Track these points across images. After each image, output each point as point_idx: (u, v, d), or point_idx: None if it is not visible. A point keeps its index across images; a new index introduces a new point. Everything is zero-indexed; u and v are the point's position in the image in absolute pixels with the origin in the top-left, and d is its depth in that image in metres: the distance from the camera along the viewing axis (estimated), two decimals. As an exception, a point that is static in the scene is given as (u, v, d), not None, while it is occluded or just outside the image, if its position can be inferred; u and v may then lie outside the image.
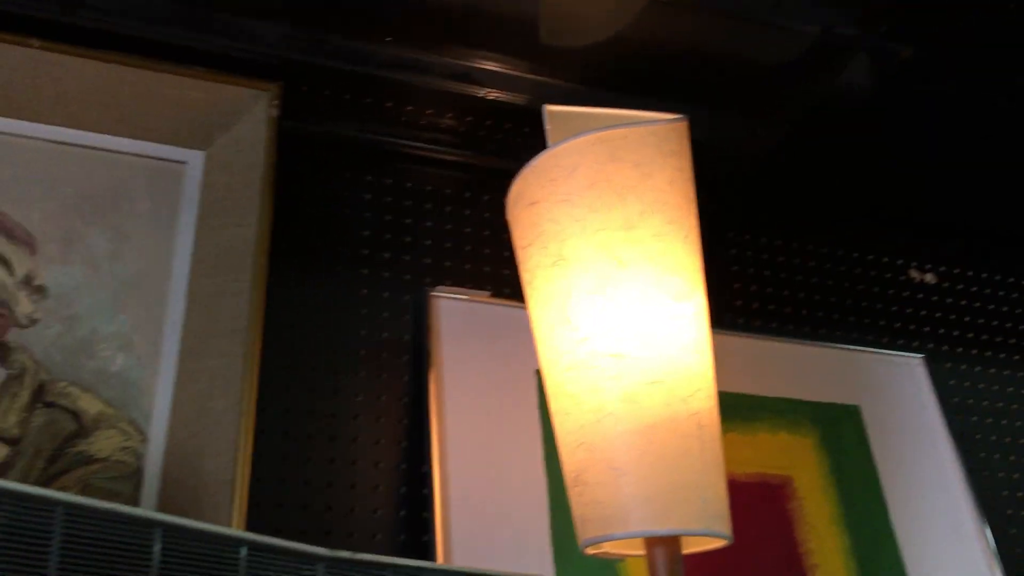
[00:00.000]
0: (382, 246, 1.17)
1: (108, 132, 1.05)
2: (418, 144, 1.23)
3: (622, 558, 0.97)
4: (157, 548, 0.58)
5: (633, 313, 0.85)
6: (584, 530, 0.83)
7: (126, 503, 0.90)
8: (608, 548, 0.88)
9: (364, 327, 1.12)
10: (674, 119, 0.91)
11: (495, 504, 1.04)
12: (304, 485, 1.02)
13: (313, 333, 1.09)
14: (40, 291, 0.97)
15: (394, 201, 1.21)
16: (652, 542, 0.83)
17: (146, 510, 0.59)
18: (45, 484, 0.89)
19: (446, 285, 1.16)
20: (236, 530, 0.62)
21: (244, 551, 0.63)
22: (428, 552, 1.00)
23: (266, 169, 1.06)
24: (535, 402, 1.12)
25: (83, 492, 0.90)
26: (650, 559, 0.82)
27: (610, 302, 0.85)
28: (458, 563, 0.97)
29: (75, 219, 1.01)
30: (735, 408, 1.18)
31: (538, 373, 1.13)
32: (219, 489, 0.91)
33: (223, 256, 1.02)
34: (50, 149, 1.03)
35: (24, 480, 0.88)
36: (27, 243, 0.98)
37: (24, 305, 0.95)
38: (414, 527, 1.04)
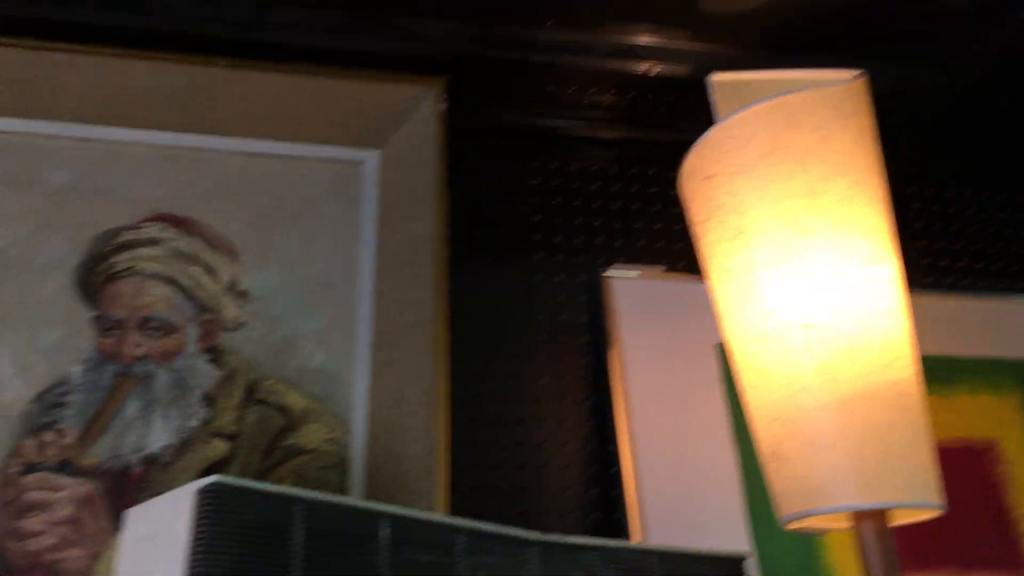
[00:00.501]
0: (553, 230, 1.19)
1: (291, 139, 1.11)
2: (582, 125, 1.24)
3: (824, 532, 0.95)
4: (385, 534, 0.62)
5: (822, 281, 0.83)
6: (784, 505, 0.82)
7: (335, 491, 0.95)
8: (810, 523, 0.86)
9: (542, 311, 1.14)
10: (852, 77, 0.88)
11: (685, 480, 1.04)
12: (496, 468, 1.05)
13: (494, 320, 1.12)
14: (243, 296, 1.03)
15: (562, 184, 1.21)
16: (859, 516, 0.81)
17: (373, 502, 0.62)
18: (262, 476, 0.95)
19: (619, 264, 1.17)
20: (455, 518, 0.65)
21: (462, 538, 0.65)
22: (621, 529, 1.02)
23: (438, 163, 1.09)
24: (717, 376, 1.11)
25: (297, 482, 0.96)
26: (858, 533, 0.81)
27: (797, 272, 0.83)
28: (651, 540, 0.97)
29: (269, 225, 1.07)
30: (931, 372, 1.12)
31: (719, 347, 1.12)
32: (421, 475, 0.95)
33: (405, 252, 1.06)
34: (241, 161, 1.09)
35: (244, 473, 0.95)
36: (229, 251, 1.05)
37: (230, 310, 1.02)
38: (605, 505, 1.05)
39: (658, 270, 1.17)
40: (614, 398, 1.07)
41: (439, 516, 0.64)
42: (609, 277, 1.15)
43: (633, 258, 1.19)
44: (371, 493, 0.96)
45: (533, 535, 0.69)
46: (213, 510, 0.55)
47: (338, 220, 1.09)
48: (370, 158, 1.12)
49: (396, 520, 0.62)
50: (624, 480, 1.03)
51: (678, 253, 1.20)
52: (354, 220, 1.09)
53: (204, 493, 0.56)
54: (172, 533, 0.57)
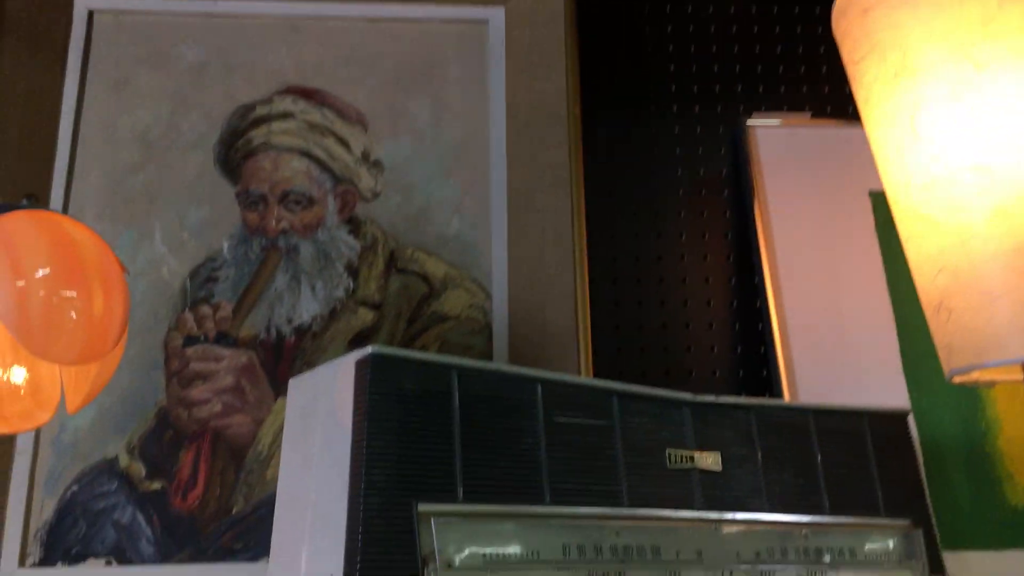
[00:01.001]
0: (690, 79, 1.13)
1: (415, 2, 1.07)
2: (717, -37, 1.15)
3: (992, 385, 0.90)
4: (538, 398, 0.62)
5: (998, 119, 0.76)
6: (952, 359, 0.78)
7: (480, 356, 0.96)
8: (978, 376, 0.82)
9: (681, 166, 1.10)
10: None
11: (837, 336, 1.00)
12: (639, 329, 1.03)
13: (631, 178, 1.08)
14: (377, 166, 1.03)
15: (697, 30, 1.14)
16: (1034, 368, 0.76)
17: (524, 368, 0.62)
18: (408, 343, 0.97)
19: (762, 112, 1.10)
20: (605, 381, 0.64)
21: (614, 400, 0.65)
22: (771, 387, 1.00)
23: (567, 17, 1.04)
24: (871, 224, 1.05)
25: (442, 348, 0.97)
26: (1033, 386, 0.76)
27: (969, 110, 0.76)
28: (802, 397, 0.95)
29: (397, 92, 1.05)
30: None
31: (874, 195, 1.05)
32: (563, 339, 0.95)
33: (536, 111, 1.03)
34: (365, 28, 1.07)
35: (391, 340, 0.97)
36: (359, 121, 1.04)
37: (366, 180, 1.02)
38: (753, 364, 1.03)
39: (804, 117, 1.10)
40: (759, 253, 1.04)
41: (590, 379, 0.63)
42: (751, 126, 1.09)
43: (776, 105, 1.12)
44: (514, 358, 0.96)
45: (685, 396, 0.68)
46: (374, 379, 0.56)
47: (466, 83, 1.06)
48: (495, 16, 1.08)
49: (548, 384, 0.62)
50: (773, 337, 1.00)
51: (824, 97, 1.12)
52: (482, 82, 1.06)
53: (364, 363, 0.56)
54: (333, 402, 0.58)
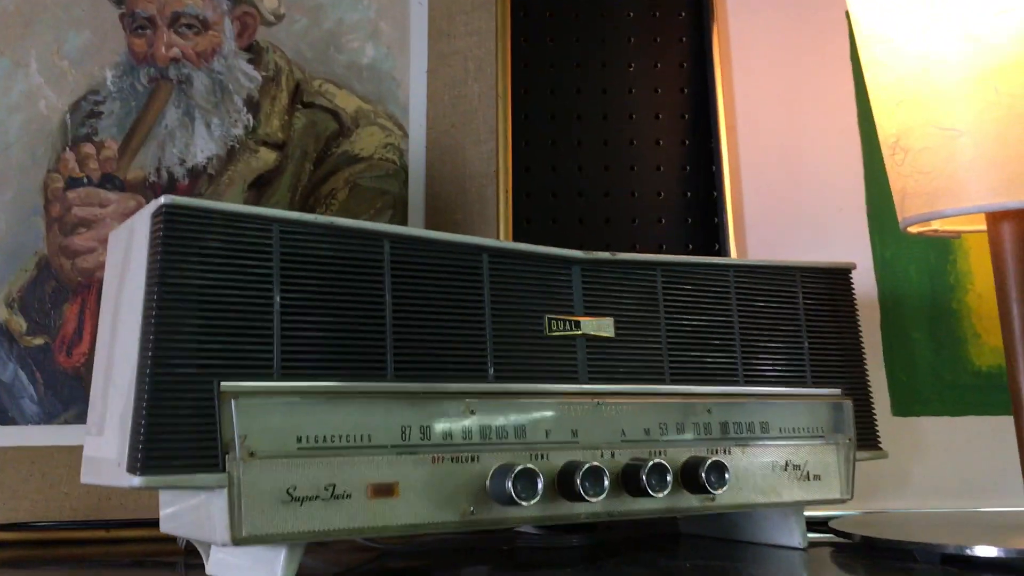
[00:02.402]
0: None
1: None
2: None
3: (956, 236, 0.80)
4: (387, 256, 0.52)
5: (978, -83, 0.62)
6: (906, 206, 0.67)
7: (394, 201, 0.87)
8: (938, 225, 0.72)
9: (632, -17, 0.96)
10: None
11: (799, 180, 0.89)
12: (574, 172, 0.93)
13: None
14: (280, -17, 0.90)
15: None
16: (997, 217, 0.66)
17: (375, 223, 0.52)
18: (315, 187, 0.87)
19: (728, -81, 0.95)
20: (474, 237, 0.55)
21: (485, 257, 0.55)
22: (719, 238, 0.90)
23: None
24: (847, 53, 0.92)
25: (351, 193, 0.87)
26: (993, 237, 0.66)
27: (944, -94, 0.63)
28: (756, 251, 0.85)
29: None
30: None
31: (849, 14, 0.92)
32: (484, 182, 0.85)
33: (461, -83, 0.89)
34: None
35: (296, 183, 0.87)
36: (260, -69, 0.91)
37: (268, 0, 0.90)
38: (702, 209, 0.93)
39: (778, -76, 0.95)
40: (716, 84, 0.91)
41: (451, 235, 0.54)
42: (716, -62, 0.94)
43: (746, -90, 0.96)
44: (432, 202, 0.86)
45: (574, 253, 0.58)
46: (168, 235, 0.47)
47: None
48: None
49: (398, 240, 0.53)
50: (723, 180, 0.89)
51: (804, -100, 0.96)
52: None
53: (157, 216, 0.47)
54: (134, 261, 0.49)
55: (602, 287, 0.59)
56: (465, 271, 0.54)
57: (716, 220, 0.91)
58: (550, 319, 0.57)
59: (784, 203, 0.88)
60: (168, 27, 0.89)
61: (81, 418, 0.82)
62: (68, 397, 0.83)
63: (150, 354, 0.45)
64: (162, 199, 0.47)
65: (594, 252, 0.59)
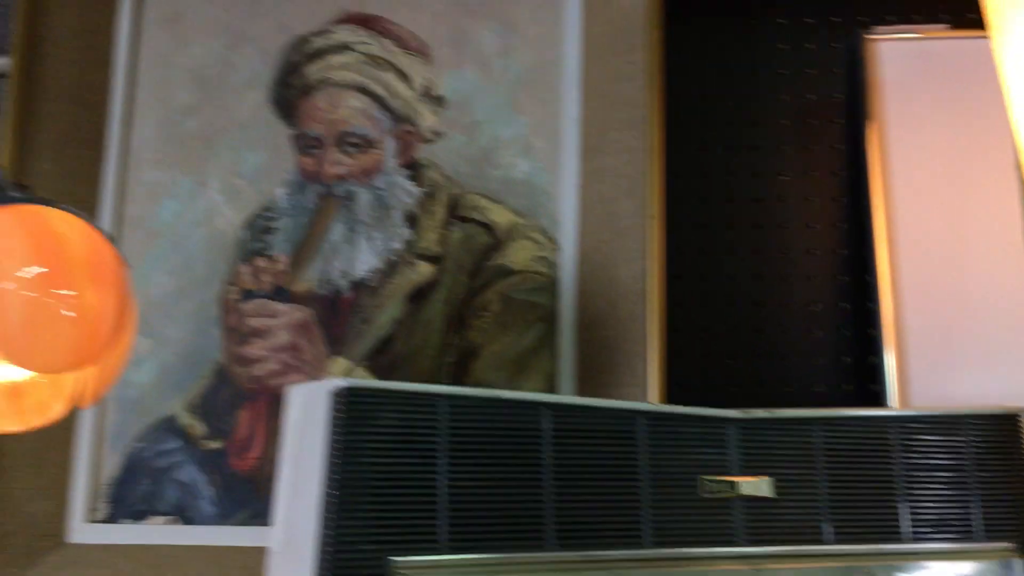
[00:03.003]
0: (802, -13, 0.97)
1: (480, -90, 0.95)
2: None
3: None
4: (547, 427, 0.54)
5: None
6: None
7: (545, 315, 0.89)
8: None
9: (785, 90, 0.95)
10: None
11: (964, 298, 0.86)
12: (729, 279, 0.93)
13: (722, 107, 0.95)
14: (439, 101, 0.94)
15: (813, -76, 0.97)
16: None
17: (531, 393, 0.54)
18: (470, 299, 0.90)
19: (888, 23, 0.93)
20: (629, 403, 0.56)
21: (641, 422, 0.56)
22: (875, 351, 0.87)
23: (651, -80, 0.90)
24: (1012, 161, 0.88)
25: (504, 305, 0.90)
26: None
27: None
28: (914, 374, 0.83)
29: (462, 16, 0.95)
30: None
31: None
32: (633, 299, 0.85)
33: (614, 34, 0.91)
34: (427, -57, 0.97)
35: (451, 296, 0.90)
36: (421, 52, 0.95)
37: (427, 118, 0.94)
38: (858, 322, 0.91)
39: (940, 29, 0.92)
40: (874, 194, 0.89)
41: (608, 401, 0.55)
42: (873, 40, 0.93)
43: (905, 15, 0.94)
44: (583, 317, 0.88)
45: (730, 412, 0.59)
46: (346, 417, 0.50)
47: (537, 1, 0.95)
48: (572, -79, 0.95)
49: (555, 409, 0.54)
50: (881, 296, 0.87)
51: (966, 3, 0.93)
52: (556, 1, 0.94)
53: (336, 397, 0.50)
54: (312, 432, 0.53)
55: (759, 446, 0.59)
56: (621, 436, 0.56)
57: (872, 335, 0.89)
58: (706, 480, 0.57)
59: (948, 324, 0.85)
60: (335, 146, 0.94)
61: (254, 519, 0.87)
62: (242, 499, 0.88)
63: (327, 531, 0.48)
64: (341, 381, 0.50)
65: (751, 411, 0.59)
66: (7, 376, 0.63)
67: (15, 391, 0.65)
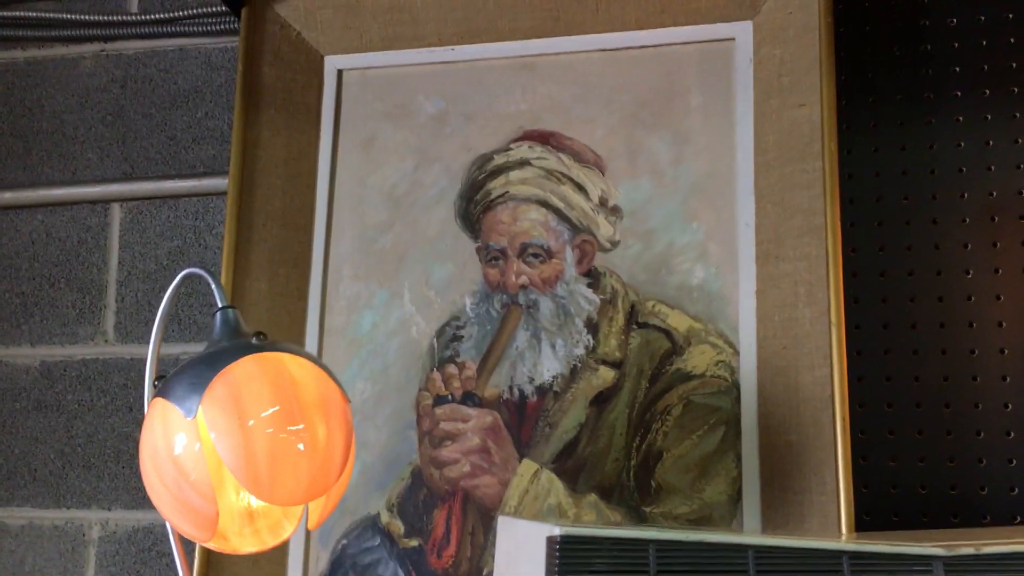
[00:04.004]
0: (980, 82, 0.96)
1: (652, 26, 1.00)
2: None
3: None
4: (752, 567, 0.56)
5: None
6: None
7: (727, 419, 0.91)
8: None
9: (966, 188, 0.95)
10: None
11: None
12: (910, 394, 0.92)
13: (898, 211, 0.95)
14: (615, 211, 0.98)
15: (989, 20, 0.96)
16: None
17: (731, 534, 0.57)
18: (651, 403, 0.93)
19: (1073, 117, 0.92)
20: (831, 541, 0.57)
21: (846, 561, 0.58)
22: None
23: (823, 30, 0.92)
24: None
25: (685, 409, 0.92)
26: None
27: None
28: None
29: (635, 128, 1.00)
30: None
31: None
32: (819, 406, 0.86)
33: (787, 142, 0.93)
34: (600, 59, 1.02)
35: (632, 400, 0.94)
36: (596, 164, 1.00)
37: (604, 228, 0.98)
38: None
39: None
40: (1067, 291, 0.88)
41: (811, 541, 0.57)
42: (1058, 135, 0.91)
43: (1093, 107, 0.92)
44: (765, 423, 0.89)
45: (935, 550, 0.59)
46: (562, 563, 0.54)
47: (709, 112, 0.98)
48: (742, 32, 0.98)
49: (760, 551, 0.56)
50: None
51: None
52: (728, 110, 0.97)
53: (553, 543, 0.54)
54: (531, 563, 0.57)
55: (966, 583, 0.59)
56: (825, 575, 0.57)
57: (1074, 441, 0.86)
58: (912, 620, 0.57)
59: None
60: (517, 257, 0.99)
61: (450, 618, 0.92)
62: (438, 597, 0.93)
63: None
64: (558, 530, 0.54)
65: (957, 547, 0.59)
66: (245, 502, 0.70)
67: (251, 514, 0.72)
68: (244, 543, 0.71)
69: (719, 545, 0.56)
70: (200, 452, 0.65)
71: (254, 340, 0.69)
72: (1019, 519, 0.87)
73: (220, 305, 0.72)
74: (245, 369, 0.66)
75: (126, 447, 1.11)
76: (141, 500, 1.08)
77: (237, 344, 0.68)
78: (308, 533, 0.98)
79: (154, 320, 0.77)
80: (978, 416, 0.90)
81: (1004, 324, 0.91)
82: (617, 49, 1.01)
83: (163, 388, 0.68)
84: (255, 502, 0.70)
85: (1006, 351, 0.91)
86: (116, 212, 1.17)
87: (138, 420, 1.10)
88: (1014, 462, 0.88)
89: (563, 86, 1.02)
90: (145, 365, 0.77)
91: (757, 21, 0.97)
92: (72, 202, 1.18)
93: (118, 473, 1.10)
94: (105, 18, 1.18)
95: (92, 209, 1.18)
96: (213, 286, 0.73)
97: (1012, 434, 0.89)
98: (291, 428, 0.65)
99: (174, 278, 0.76)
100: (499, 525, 0.64)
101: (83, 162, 1.19)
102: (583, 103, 1.01)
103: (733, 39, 0.98)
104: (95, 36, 1.21)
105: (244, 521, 0.71)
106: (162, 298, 0.77)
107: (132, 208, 1.16)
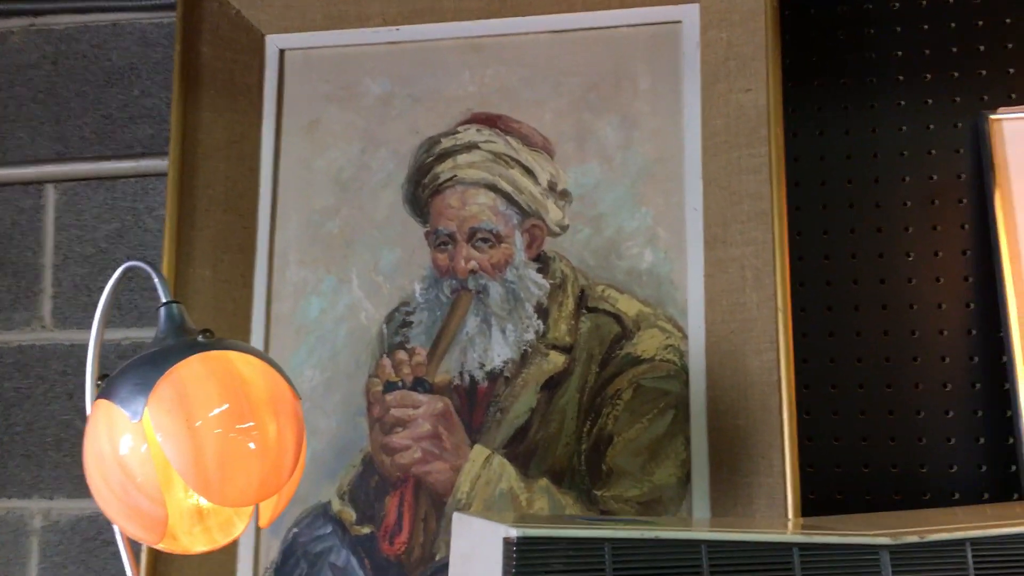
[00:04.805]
0: (921, 66, 0.97)
1: (600, 8, 0.99)
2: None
3: None
4: (705, 562, 0.57)
5: None
6: None
7: (676, 402, 0.92)
8: None
9: (907, 171, 0.96)
10: None
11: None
12: (855, 376, 0.93)
13: (842, 195, 0.96)
14: (564, 196, 0.98)
15: (932, 5, 0.98)
16: None
17: (687, 529, 0.58)
18: (602, 388, 0.94)
19: (1013, 103, 0.93)
20: (782, 534, 0.59)
21: (796, 553, 0.59)
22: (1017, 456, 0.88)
23: (769, 13, 0.92)
24: None
25: (635, 393, 0.93)
26: None
27: None
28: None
29: (583, 111, 0.99)
30: None
31: None
32: (767, 391, 0.88)
33: (734, 127, 0.93)
34: (549, 41, 1.01)
35: (583, 385, 0.94)
36: (545, 148, 0.99)
37: (553, 212, 0.98)
38: (993, 424, 0.91)
39: (1067, 104, 0.92)
40: (1004, 273, 0.90)
41: (761, 534, 0.58)
42: (998, 120, 0.93)
43: (1029, 93, 0.94)
44: (714, 406, 0.91)
45: (881, 539, 0.60)
46: (519, 565, 0.54)
47: (658, 95, 0.98)
48: (689, 14, 0.97)
49: (713, 546, 0.57)
50: (1016, 376, 0.87)
51: (1096, 80, 0.93)
52: (675, 95, 0.97)
53: (510, 545, 0.55)
54: (487, 563, 0.57)
55: (911, 571, 0.61)
56: (777, 568, 0.58)
57: (1011, 440, 0.89)
58: (859, 608, 0.59)
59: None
60: (466, 242, 0.99)
61: (403, 605, 0.93)
62: (391, 584, 0.94)
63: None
64: (514, 531, 0.54)
65: (902, 535, 0.61)
66: (194, 501, 0.69)
67: (201, 513, 0.71)
68: (195, 542, 0.70)
69: (673, 542, 0.57)
70: (147, 454, 0.63)
71: (200, 338, 0.68)
72: (957, 496, 0.89)
73: (164, 300, 0.71)
74: (191, 369, 0.64)
75: (67, 435, 1.08)
76: (84, 489, 1.06)
77: (183, 342, 0.67)
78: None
79: (94, 305, 0.74)
80: (918, 396, 0.92)
81: (943, 306, 0.93)
82: (565, 31, 1.00)
83: (107, 389, 0.66)
84: (205, 501, 0.69)
85: (945, 332, 0.93)
86: (51, 193, 1.13)
87: (79, 408, 1.08)
88: (952, 440, 0.91)
89: (511, 68, 1.01)
90: (86, 352, 0.75)
91: (704, 4, 0.97)
92: (3, 183, 1.14)
93: (59, 462, 1.08)
94: (34, -8, 1.14)
95: (25, 191, 1.14)
96: (156, 281, 0.72)
97: (951, 413, 0.92)
98: (240, 427, 0.64)
99: (113, 261, 0.74)
100: (454, 522, 0.64)
101: (14, 142, 1.14)
102: (531, 86, 1.00)
103: (680, 22, 0.98)
104: (23, 10, 1.16)
105: (194, 520, 0.70)
106: (101, 282, 0.74)
107: (67, 190, 1.13)
